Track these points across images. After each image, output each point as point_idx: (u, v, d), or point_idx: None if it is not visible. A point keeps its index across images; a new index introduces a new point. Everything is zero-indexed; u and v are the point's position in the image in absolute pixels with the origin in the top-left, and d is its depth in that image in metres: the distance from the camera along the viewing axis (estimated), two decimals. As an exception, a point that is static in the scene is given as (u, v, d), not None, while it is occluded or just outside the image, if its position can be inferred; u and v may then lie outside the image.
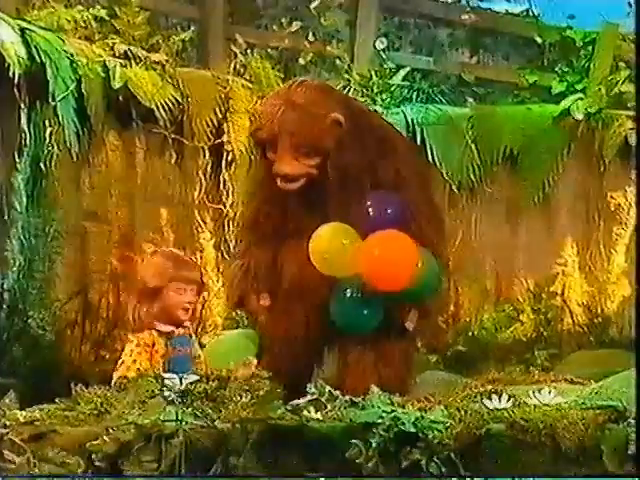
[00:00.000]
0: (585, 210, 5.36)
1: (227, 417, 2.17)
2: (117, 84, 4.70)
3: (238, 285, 3.49)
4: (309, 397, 2.30)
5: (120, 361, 3.14)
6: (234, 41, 5.31)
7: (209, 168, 5.05)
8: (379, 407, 2.22)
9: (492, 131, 5.31)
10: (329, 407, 2.26)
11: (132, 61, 4.86)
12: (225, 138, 5.07)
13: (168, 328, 3.13)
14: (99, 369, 4.33)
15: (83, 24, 4.83)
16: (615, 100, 5.29)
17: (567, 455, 2.17)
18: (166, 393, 2.20)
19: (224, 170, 5.07)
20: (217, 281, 5.05)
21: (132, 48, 4.89)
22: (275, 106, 3.35)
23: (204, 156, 5.03)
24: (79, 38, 4.80)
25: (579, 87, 5.43)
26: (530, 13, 5.83)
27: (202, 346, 3.56)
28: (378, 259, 3.17)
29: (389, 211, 3.34)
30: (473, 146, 5.25)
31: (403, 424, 2.14)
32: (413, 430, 2.14)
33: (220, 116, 5.07)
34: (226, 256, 5.03)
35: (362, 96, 5.20)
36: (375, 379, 3.20)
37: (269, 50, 5.49)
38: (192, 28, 5.32)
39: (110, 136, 4.80)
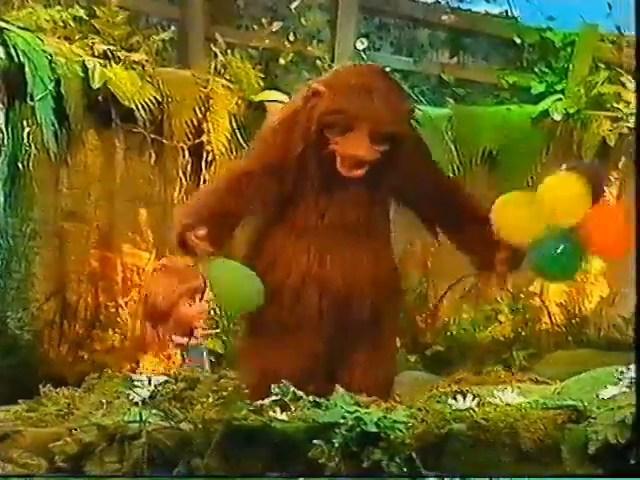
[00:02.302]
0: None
1: (191, 418, 2.18)
2: (96, 84, 4.70)
3: (181, 221, 3.25)
4: (273, 397, 2.31)
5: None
6: (214, 41, 5.31)
7: (189, 168, 5.05)
8: (342, 407, 2.23)
9: (472, 131, 5.32)
10: (293, 407, 2.27)
11: (112, 61, 4.86)
12: (205, 138, 5.07)
13: (184, 340, 3.12)
14: (77, 369, 4.33)
15: (62, 24, 4.83)
16: (594, 101, 5.32)
17: (527, 454, 2.19)
18: (134, 394, 2.21)
19: (204, 170, 5.07)
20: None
21: (112, 48, 4.90)
22: (350, 89, 3.25)
23: (184, 156, 5.03)
24: (58, 38, 4.80)
25: (558, 88, 5.45)
26: (509, 14, 5.86)
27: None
28: (608, 228, 3.23)
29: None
30: (453, 146, 5.27)
31: (365, 424, 2.15)
32: (375, 430, 2.15)
33: (200, 116, 5.07)
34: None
35: (342, 96, 5.19)
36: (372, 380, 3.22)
37: (249, 50, 5.49)
38: (172, 28, 5.31)
39: (89, 136, 4.80)
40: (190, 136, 5.04)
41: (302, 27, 5.64)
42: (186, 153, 5.04)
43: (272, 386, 2.41)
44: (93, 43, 4.87)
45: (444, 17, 5.70)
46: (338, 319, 3.35)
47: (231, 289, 3.24)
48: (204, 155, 5.07)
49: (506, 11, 5.84)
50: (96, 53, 4.84)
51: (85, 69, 4.69)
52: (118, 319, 4.85)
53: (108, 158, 4.87)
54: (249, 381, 3.02)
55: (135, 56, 4.95)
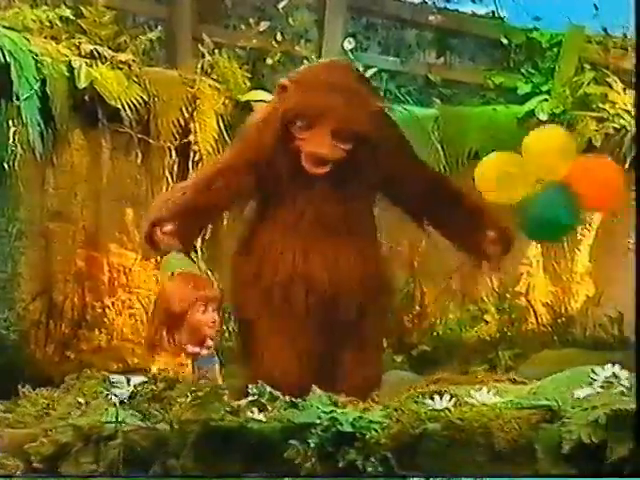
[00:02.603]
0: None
1: (167, 419, 2.17)
2: (82, 84, 4.70)
3: (151, 217, 3.37)
4: (250, 398, 2.31)
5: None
6: (202, 41, 5.31)
7: (176, 168, 5.05)
8: (318, 408, 2.24)
9: (458, 132, 5.33)
10: (269, 408, 2.28)
11: (98, 61, 4.86)
12: (192, 138, 5.07)
13: (196, 349, 3.12)
14: (64, 369, 4.32)
15: (48, 24, 4.82)
16: (580, 101, 5.32)
17: (501, 454, 2.20)
18: (112, 395, 2.20)
19: (191, 170, 5.07)
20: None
21: (98, 48, 4.89)
22: (317, 86, 3.29)
23: (170, 156, 5.03)
24: (45, 38, 4.80)
25: (544, 88, 5.45)
26: (496, 15, 5.86)
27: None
28: (600, 181, 3.33)
29: None
30: (439, 146, 5.28)
31: (341, 424, 2.16)
32: (351, 430, 2.16)
33: (187, 116, 5.07)
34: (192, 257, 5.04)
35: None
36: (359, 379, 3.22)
37: (237, 50, 5.49)
38: (159, 28, 5.30)
39: (75, 136, 4.79)
40: (177, 136, 5.04)
41: (289, 27, 5.65)
42: (173, 153, 5.03)
43: (249, 387, 2.41)
44: (80, 43, 4.87)
45: (431, 17, 5.71)
46: (325, 318, 3.36)
47: None
48: (191, 155, 5.07)
49: (493, 12, 5.85)
50: (83, 53, 4.83)
51: (71, 69, 4.68)
52: (104, 319, 4.85)
53: (94, 158, 4.87)
54: (242, 381, 3.05)
55: (122, 56, 4.95)
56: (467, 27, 5.84)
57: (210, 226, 5.04)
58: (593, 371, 2.50)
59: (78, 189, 4.82)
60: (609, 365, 2.53)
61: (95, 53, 4.86)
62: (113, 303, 4.88)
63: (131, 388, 2.27)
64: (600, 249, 5.38)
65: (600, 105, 5.31)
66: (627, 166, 5.27)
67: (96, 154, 4.87)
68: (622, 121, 5.27)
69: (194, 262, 3.48)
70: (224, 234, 5.16)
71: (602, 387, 2.41)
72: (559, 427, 2.22)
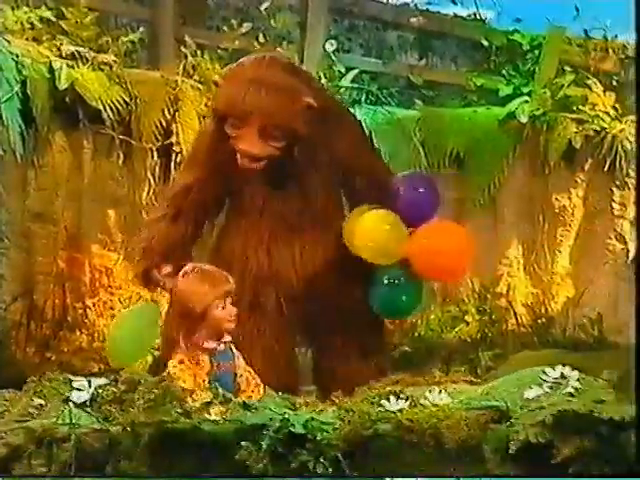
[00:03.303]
0: (530, 212, 5.41)
1: (122, 421, 2.18)
2: (63, 85, 4.70)
3: (142, 259, 3.39)
4: (204, 400, 2.32)
5: (169, 377, 3.07)
6: (184, 42, 5.32)
7: (157, 169, 5.06)
8: (271, 409, 2.25)
9: (439, 133, 5.35)
10: (223, 410, 2.29)
11: (79, 62, 4.86)
12: (174, 139, 5.07)
13: (213, 344, 3.11)
14: (44, 371, 4.32)
15: (29, 25, 4.83)
16: (560, 103, 5.34)
17: (450, 454, 2.21)
18: (70, 397, 2.21)
19: (173, 171, 5.08)
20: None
21: (80, 49, 4.89)
22: (244, 83, 3.24)
23: (152, 157, 5.04)
24: (26, 39, 4.80)
25: (525, 90, 5.47)
26: (478, 17, 5.88)
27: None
28: (437, 252, 3.22)
29: (421, 190, 3.36)
30: (421, 148, 5.29)
31: (293, 425, 2.17)
32: (302, 431, 2.17)
33: (169, 117, 5.07)
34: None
35: (312, 98, 5.21)
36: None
37: (219, 51, 5.50)
38: (141, 29, 5.31)
39: (57, 137, 4.80)
40: (159, 137, 5.05)
41: (272, 29, 5.66)
42: (155, 154, 5.04)
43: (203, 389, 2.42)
44: (61, 44, 4.86)
45: (413, 19, 5.72)
46: (299, 316, 3.37)
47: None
48: (173, 156, 5.08)
49: (474, 13, 5.86)
50: (64, 54, 4.83)
51: (52, 70, 4.68)
52: (86, 320, 4.86)
53: (76, 159, 4.87)
54: None
55: (103, 57, 4.95)
56: (449, 29, 5.86)
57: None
58: (544, 372, 2.52)
59: (59, 190, 4.82)
60: (559, 366, 2.55)
61: (76, 54, 4.87)
62: (94, 304, 4.89)
63: (92, 390, 2.28)
64: (580, 250, 5.40)
65: (580, 107, 5.33)
66: (607, 168, 5.33)
67: (77, 155, 4.87)
68: (602, 123, 5.29)
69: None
70: (205, 234, 5.18)
71: (551, 388, 2.43)
72: (507, 427, 2.24)
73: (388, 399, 2.35)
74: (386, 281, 3.30)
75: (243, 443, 2.16)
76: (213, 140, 3.37)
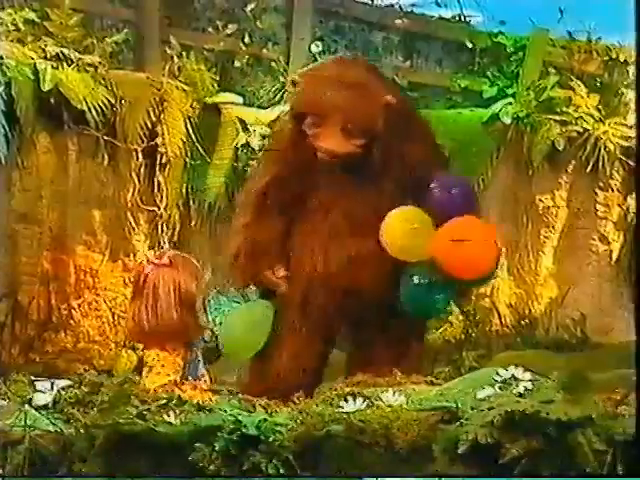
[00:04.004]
0: (514, 213, 5.44)
1: (77, 423, 2.19)
2: (47, 86, 4.72)
3: (248, 262, 3.35)
4: (159, 402, 2.33)
5: (146, 369, 3.04)
6: (169, 43, 5.33)
7: (142, 170, 5.07)
8: (226, 411, 2.27)
9: (424, 135, 5.35)
10: (178, 411, 2.30)
11: (64, 63, 4.87)
12: (159, 140, 5.09)
13: None
14: (29, 371, 4.33)
15: (14, 27, 4.83)
16: (544, 105, 5.37)
17: (400, 455, 2.23)
18: (35, 398, 2.21)
19: (158, 172, 5.10)
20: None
21: (64, 50, 4.90)
22: (325, 82, 3.26)
23: (137, 158, 5.05)
24: (11, 41, 4.80)
25: (510, 92, 5.50)
26: (462, 19, 5.89)
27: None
28: (461, 248, 3.16)
29: (454, 192, 3.34)
30: (405, 149, 5.30)
31: (246, 427, 2.19)
32: (255, 433, 2.19)
33: (154, 118, 5.09)
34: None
35: (297, 99, 5.22)
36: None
37: (205, 52, 5.51)
38: (125, 30, 5.31)
39: (41, 138, 4.81)
40: (144, 138, 5.07)
41: (258, 30, 5.67)
42: (140, 155, 5.05)
43: (159, 390, 2.42)
44: (45, 45, 4.87)
45: (398, 21, 5.74)
46: (346, 318, 3.37)
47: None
48: (158, 157, 5.10)
49: (459, 15, 5.88)
50: (48, 56, 4.84)
51: (36, 71, 4.70)
52: (71, 321, 4.87)
53: (60, 160, 4.89)
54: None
55: (88, 58, 4.96)
56: (433, 31, 5.88)
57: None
58: (497, 372, 2.52)
59: (44, 191, 4.84)
60: (512, 366, 2.56)
61: (61, 55, 4.88)
62: (79, 305, 4.90)
63: (54, 392, 2.28)
64: (564, 251, 5.43)
65: (564, 109, 5.35)
66: (590, 169, 5.36)
67: (62, 156, 4.89)
68: (585, 124, 5.32)
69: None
70: (191, 235, 5.21)
71: (501, 388, 2.45)
72: (457, 428, 2.25)
73: (346, 400, 2.37)
74: (415, 280, 3.29)
75: (197, 445, 2.18)
76: (291, 138, 3.37)
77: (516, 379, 2.47)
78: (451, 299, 3.46)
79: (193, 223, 5.19)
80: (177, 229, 5.12)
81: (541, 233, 5.40)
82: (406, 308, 3.31)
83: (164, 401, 2.29)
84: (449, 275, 3.23)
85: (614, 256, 5.43)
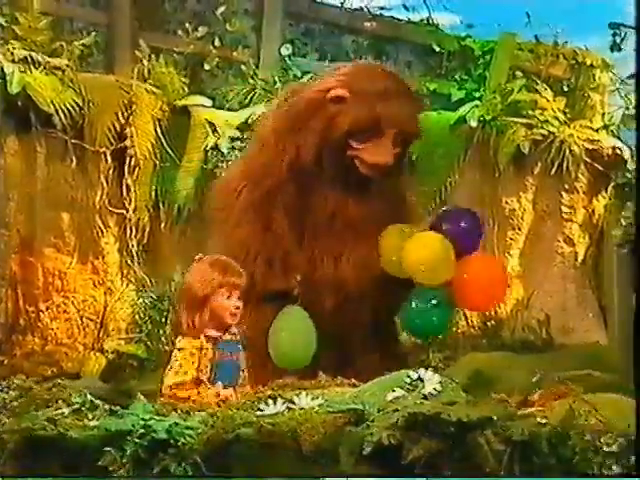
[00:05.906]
0: (480, 215, 5.45)
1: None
2: (15, 89, 4.73)
3: (264, 274, 3.40)
4: (73, 407, 2.35)
5: (168, 367, 3.06)
6: (139, 46, 5.35)
7: (111, 173, 5.08)
8: (137, 416, 2.29)
9: (392, 137, 5.38)
10: (90, 416, 2.33)
11: (32, 66, 4.88)
12: (128, 143, 5.11)
13: (217, 333, 3.13)
14: (-5, 374, 4.34)
15: (-19, 32, 4.85)
16: (510, 108, 5.40)
17: (307, 456, 2.26)
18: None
19: (127, 175, 5.11)
20: (121, 285, 5.09)
21: (32, 53, 4.91)
22: (376, 94, 3.27)
23: (106, 161, 5.07)
24: (-21, 45, 4.82)
25: (477, 95, 5.53)
26: (430, 22, 5.92)
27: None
28: (477, 283, 3.32)
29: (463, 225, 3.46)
30: (373, 151, 5.32)
31: (156, 432, 2.22)
32: (165, 437, 2.22)
33: (123, 121, 5.10)
34: (129, 261, 5.07)
35: (267, 101, 5.25)
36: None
37: (175, 55, 5.53)
38: (94, 33, 5.32)
39: (9, 141, 4.82)
40: (113, 141, 5.08)
41: (227, 32, 5.69)
42: (108, 158, 5.07)
43: (71, 395, 2.44)
44: (14, 49, 4.88)
45: (367, 24, 5.78)
46: (348, 319, 3.40)
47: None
48: (127, 160, 5.11)
49: (427, 19, 5.91)
50: (16, 59, 4.85)
51: (3, 74, 4.70)
52: (39, 323, 4.88)
53: (29, 163, 4.90)
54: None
55: (55, 61, 4.97)
56: (402, 34, 5.91)
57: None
58: (407, 375, 2.56)
59: (12, 194, 4.84)
60: (422, 369, 2.60)
61: (29, 58, 4.89)
62: (47, 307, 4.91)
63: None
64: (530, 253, 5.46)
65: (530, 112, 5.39)
66: (555, 172, 5.40)
67: (30, 159, 4.90)
68: (551, 127, 5.35)
69: None
70: (161, 237, 5.22)
71: (407, 390, 2.48)
72: (363, 429, 2.29)
73: (267, 403, 2.41)
74: (424, 302, 3.35)
75: (107, 449, 2.21)
76: (327, 149, 3.31)
77: (421, 381, 2.51)
78: (448, 325, 3.59)
79: (162, 225, 5.20)
80: (146, 231, 5.13)
81: (507, 235, 5.43)
82: (405, 326, 3.38)
83: (77, 406, 2.31)
84: (458, 304, 3.34)
85: (579, 258, 5.47)
